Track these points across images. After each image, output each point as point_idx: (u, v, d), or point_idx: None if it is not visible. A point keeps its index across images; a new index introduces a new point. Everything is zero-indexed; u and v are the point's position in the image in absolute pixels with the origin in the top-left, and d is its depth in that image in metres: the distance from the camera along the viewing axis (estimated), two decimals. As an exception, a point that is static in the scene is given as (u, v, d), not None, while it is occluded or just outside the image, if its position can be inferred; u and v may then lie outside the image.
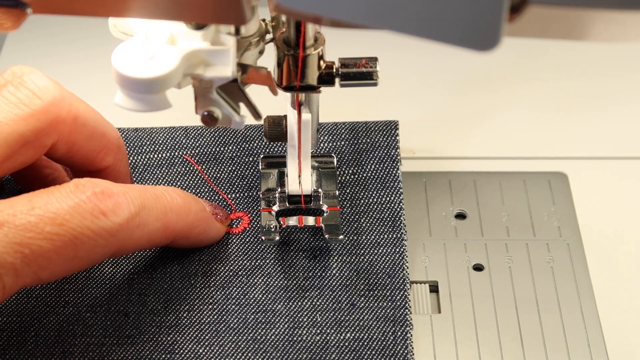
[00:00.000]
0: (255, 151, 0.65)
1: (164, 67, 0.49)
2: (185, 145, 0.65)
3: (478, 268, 0.61)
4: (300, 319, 0.57)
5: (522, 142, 0.70)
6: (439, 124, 0.71)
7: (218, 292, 0.58)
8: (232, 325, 0.57)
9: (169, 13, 0.47)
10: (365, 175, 0.64)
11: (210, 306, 0.58)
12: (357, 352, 0.56)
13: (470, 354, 0.56)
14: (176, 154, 0.65)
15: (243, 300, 0.58)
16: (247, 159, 0.65)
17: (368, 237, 0.61)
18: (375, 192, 0.63)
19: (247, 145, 0.65)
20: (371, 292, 0.58)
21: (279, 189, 0.62)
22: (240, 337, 0.56)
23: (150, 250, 0.60)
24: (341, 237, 0.59)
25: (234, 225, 0.62)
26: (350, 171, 0.64)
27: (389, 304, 0.57)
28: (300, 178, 0.61)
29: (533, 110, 0.73)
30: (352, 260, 0.60)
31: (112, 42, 0.51)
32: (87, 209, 0.50)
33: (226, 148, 0.65)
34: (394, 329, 0.56)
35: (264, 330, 0.57)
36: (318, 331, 0.57)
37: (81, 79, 0.75)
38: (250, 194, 0.63)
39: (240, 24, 0.49)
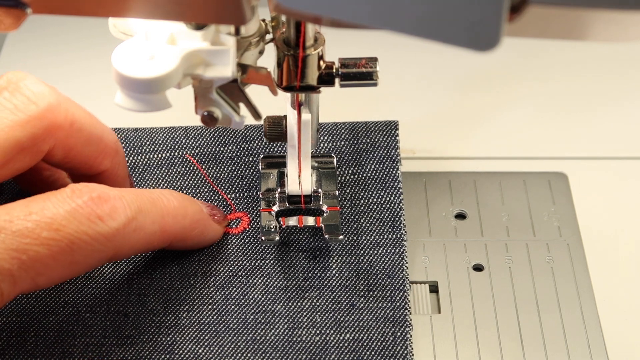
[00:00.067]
0: (255, 151, 0.65)
1: (164, 67, 0.49)
2: (185, 145, 0.65)
3: (478, 268, 0.61)
4: (300, 320, 0.57)
5: (522, 142, 0.70)
6: (439, 124, 0.71)
7: (218, 293, 0.58)
8: (231, 325, 0.57)
9: (169, 13, 0.47)
10: (365, 175, 0.64)
11: (209, 306, 0.58)
12: (356, 352, 0.56)
13: (470, 354, 0.56)
14: (176, 154, 0.65)
15: (243, 301, 0.58)
16: (247, 159, 0.65)
17: (368, 237, 0.61)
18: (375, 192, 0.63)
19: (247, 145, 0.65)
20: (371, 293, 0.58)
21: (279, 189, 0.62)
22: (239, 338, 0.56)
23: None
24: (341, 237, 0.59)
25: (234, 226, 0.62)
26: (350, 171, 0.64)
27: (389, 304, 0.57)
28: (300, 178, 0.61)
29: (533, 110, 0.73)
30: (352, 260, 0.60)
31: (112, 42, 0.51)
32: (84, 213, 0.50)
33: (226, 148, 0.65)
34: (393, 329, 0.56)
35: (264, 331, 0.57)
36: (317, 332, 0.57)
37: (81, 79, 0.75)
38: (250, 194, 0.63)
39: (240, 24, 0.49)
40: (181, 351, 0.56)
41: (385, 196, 0.63)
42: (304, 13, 0.43)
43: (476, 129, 0.71)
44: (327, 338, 0.56)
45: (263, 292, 0.58)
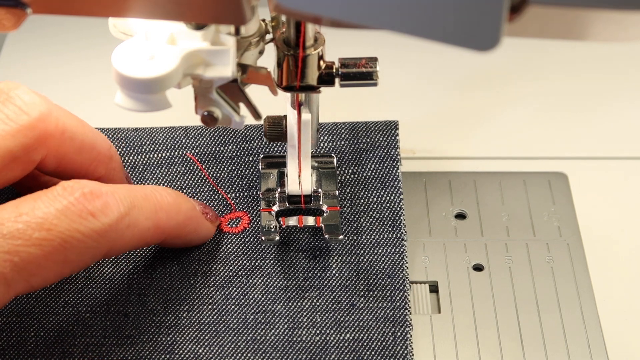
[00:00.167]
0: (255, 151, 0.65)
1: (164, 67, 0.49)
2: (185, 145, 0.65)
3: (478, 268, 0.61)
4: (300, 320, 0.57)
5: (522, 142, 0.70)
6: (439, 124, 0.71)
7: (218, 293, 0.58)
8: (231, 325, 0.57)
9: (169, 13, 0.47)
10: (365, 175, 0.64)
11: (209, 306, 0.58)
12: (356, 352, 0.56)
13: (470, 354, 0.56)
14: (176, 153, 0.65)
15: (243, 301, 0.58)
16: (247, 159, 0.65)
17: (368, 237, 0.61)
18: (375, 192, 0.63)
19: (247, 145, 0.65)
20: (371, 293, 0.58)
21: (279, 189, 0.62)
22: (239, 338, 0.56)
23: (149, 250, 0.60)
24: (341, 237, 0.59)
25: (234, 225, 0.62)
26: (350, 171, 0.64)
27: (389, 304, 0.57)
28: (300, 178, 0.61)
29: (533, 110, 0.73)
30: (352, 260, 0.60)
31: (112, 42, 0.51)
32: (75, 211, 0.49)
33: (226, 148, 0.65)
34: (393, 329, 0.56)
35: (264, 331, 0.57)
36: (318, 332, 0.57)
37: (81, 79, 0.75)
38: (250, 193, 0.63)
39: (240, 24, 0.49)
40: (181, 351, 0.56)
41: (385, 195, 0.63)
42: (304, 13, 0.43)
43: (476, 129, 0.71)
44: (327, 338, 0.56)
45: (263, 292, 0.58)
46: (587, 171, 0.67)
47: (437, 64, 0.76)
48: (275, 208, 0.61)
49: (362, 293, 0.58)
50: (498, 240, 0.62)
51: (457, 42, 0.40)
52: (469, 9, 0.39)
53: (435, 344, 0.57)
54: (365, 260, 0.60)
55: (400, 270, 0.59)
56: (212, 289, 0.59)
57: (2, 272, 0.47)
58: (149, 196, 0.54)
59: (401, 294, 0.58)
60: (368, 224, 0.61)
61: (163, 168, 0.64)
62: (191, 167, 0.64)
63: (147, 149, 0.65)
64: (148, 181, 0.64)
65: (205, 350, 0.56)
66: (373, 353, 0.55)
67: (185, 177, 0.64)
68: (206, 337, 0.56)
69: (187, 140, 0.65)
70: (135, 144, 0.65)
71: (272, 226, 0.60)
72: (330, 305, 0.58)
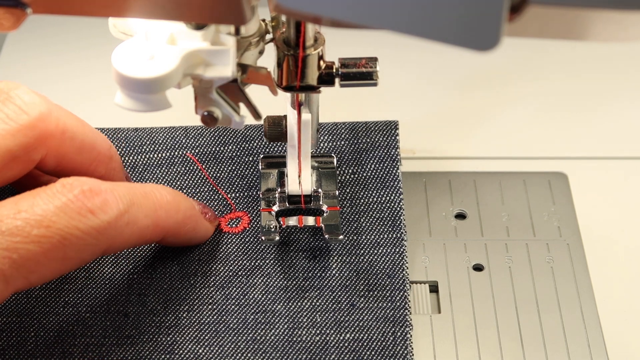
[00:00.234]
0: (255, 151, 0.65)
1: (164, 67, 0.49)
2: (185, 145, 0.65)
3: (478, 268, 0.61)
4: (300, 320, 0.57)
5: (522, 142, 0.70)
6: (439, 124, 0.71)
7: (218, 293, 0.58)
8: (231, 325, 0.57)
9: (169, 13, 0.47)
10: (365, 175, 0.64)
11: (209, 306, 0.58)
12: (356, 352, 0.56)
13: (470, 354, 0.56)
14: (176, 153, 0.65)
15: (243, 301, 0.58)
16: (247, 159, 0.65)
17: (368, 237, 0.61)
18: (375, 192, 0.63)
19: (247, 145, 0.65)
20: (371, 293, 0.58)
21: (279, 189, 0.62)
22: (239, 338, 0.56)
23: (149, 250, 0.60)
24: (341, 237, 0.59)
25: (234, 225, 0.62)
26: (350, 171, 0.64)
27: (389, 304, 0.57)
28: (300, 178, 0.61)
29: (533, 110, 0.73)
30: (352, 260, 0.60)
31: (112, 42, 0.51)
32: (75, 208, 0.49)
33: (226, 148, 0.65)
34: (393, 329, 0.56)
35: (264, 331, 0.57)
36: (318, 332, 0.57)
37: (81, 79, 0.75)
38: (250, 193, 0.63)
39: (240, 24, 0.49)
40: (181, 351, 0.56)
41: (385, 195, 0.63)
42: (304, 13, 0.43)
43: (476, 129, 0.71)
44: (327, 338, 0.56)
45: (263, 292, 0.58)
46: (587, 171, 0.67)
47: (437, 64, 0.76)
48: (275, 208, 0.61)
49: (362, 293, 0.58)
50: (498, 240, 0.62)
51: (457, 42, 0.40)
52: (469, 9, 0.39)
53: (435, 344, 0.57)
54: (365, 260, 0.60)
55: (400, 270, 0.59)
56: (212, 289, 0.59)
57: (0, 269, 0.48)
58: (148, 194, 0.54)
59: (401, 294, 0.58)
60: (368, 224, 0.61)
61: (163, 168, 0.64)
62: (191, 167, 0.64)
63: (147, 149, 0.65)
64: (148, 181, 0.64)
65: (205, 350, 0.56)
66: (373, 353, 0.55)
67: (185, 177, 0.64)
68: (206, 337, 0.56)
69: (187, 140, 0.65)
70: (135, 144, 0.65)
71: (272, 226, 0.60)
72: (330, 305, 0.58)
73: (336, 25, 0.45)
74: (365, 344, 0.56)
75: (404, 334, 0.56)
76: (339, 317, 0.57)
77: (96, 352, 0.56)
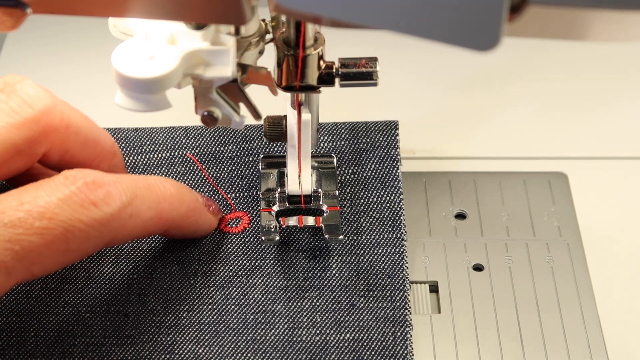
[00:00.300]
0: (255, 151, 0.65)
1: (164, 67, 0.49)
2: (185, 145, 0.65)
3: (478, 268, 0.61)
4: (300, 320, 0.57)
5: (522, 142, 0.70)
6: (439, 124, 0.71)
7: (218, 293, 0.58)
8: (231, 325, 0.57)
9: (169, 13, 0.47)
10: (365, 175, 0.64)
11: (209, 306, 0.58)
12: (356, 352, 0.56)
13: (470, 354, 0.56)
14: (176, 153, 0.65)
15: (243, 301, 0.58)
16: (247, 159, 0.65)
17: (368, 237, 0.61)
18: (375, 192, 0.63)
19: (247, 145, 0.65)
20: (371, 293, 0.58)
21: (279, 189, 0.62)
22: (239, 338, 0.56)
23: (149, 250, 0.60)
24: (341, 237, 0.59)
25: (234, 225, 0.62)
26: (350, 171, 0.64)
27: (389, 304, 0.57)
28: (300, 178, 0.61)
29: (533, 110, 0.73)
30: (352, 260, 0.60)
31: (112, 42, 0.51)
32: (77, 200, 0.49)
33: (226, 148, 0.65)
34: (393, 329, 0.56)
35: (264, 331, 0.57)
36: (318, 332, 0.57)
37: (81, 79, 0.75)
38: (250, 193, 0.63)
39: (240, 24, 0.49)
40: (181, 351, 0.56)
41: (385, 195, 0.63)
42: (304, 13, 0.43)
43: (476, 129, 0.71)
44: (327, 338, 0.56)
45: (263, 292, 0.58)
46: (587, 171, 0.67)
47: (437, 64, 0.76)
48: (275, 208, 0.61)
49: (362, 293, 0.58)
50: (498, 240, 0.62)
51: (457, 42, 0.40)
52: (469, 9, 0.39)
53: (435, 344, 0.57)
54: (365, 260, 0.60)
55: (400, 270, 0.59)
56: (212, 289, 0.59)
57: (3, 260, 0.48)
58: (151, 186, 0.54)
59: (401, 294, 0.58)
60: (368, 224, 0.61)
61: (163, 168, 0.64)
62: (191, 167, 0.65)
63: (147, 149, 0.65)
64: (148, 181, 0.64)
65: (205, 350, 0.56)
66: (373, 353, 0.55)
67: (186, 177, 0.64)
68: (206, 337, 0.56)
69: (187, 141, 0.65)
70: (136, 144, 0.65)
71: (272, 226, 0.60)
72: (330, 305, 0.58)
73: (336, 25, 0.45)
74: (365, 344, 0.56)
75: (404, 334, 0.56)
76: (339, 317, 0.57)
77: (96, 352, 0.56)
